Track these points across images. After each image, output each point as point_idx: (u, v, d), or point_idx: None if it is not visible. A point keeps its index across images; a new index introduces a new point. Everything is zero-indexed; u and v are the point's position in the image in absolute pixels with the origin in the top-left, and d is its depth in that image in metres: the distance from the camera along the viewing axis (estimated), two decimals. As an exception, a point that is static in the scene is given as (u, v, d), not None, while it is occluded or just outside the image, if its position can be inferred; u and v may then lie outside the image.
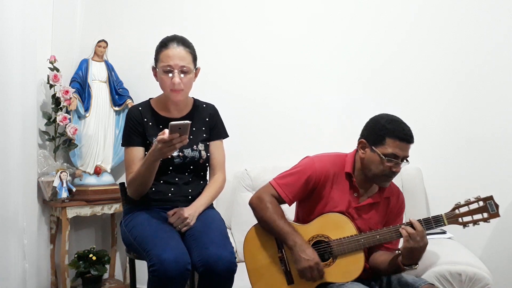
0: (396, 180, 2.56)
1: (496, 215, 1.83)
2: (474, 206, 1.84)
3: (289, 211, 2.05)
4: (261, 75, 2.98)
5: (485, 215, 1.83)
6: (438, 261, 2.02)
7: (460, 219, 1.83)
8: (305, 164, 1.97)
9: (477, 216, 1.83)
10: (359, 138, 1.95)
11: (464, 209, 1.84)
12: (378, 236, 1.85)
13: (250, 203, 1.98)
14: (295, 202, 2.04)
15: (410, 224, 1.80)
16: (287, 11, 2.97)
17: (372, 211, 1.95)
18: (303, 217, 2.01)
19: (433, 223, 1.83)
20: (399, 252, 1.82)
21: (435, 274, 1.96)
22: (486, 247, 2.70)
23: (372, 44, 2.86)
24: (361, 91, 2.86)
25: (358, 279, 1.87)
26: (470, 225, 1.83)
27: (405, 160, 1.87)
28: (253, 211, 1.97)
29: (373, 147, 1.87)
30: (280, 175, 1.98)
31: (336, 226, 1.89)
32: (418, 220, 1.82)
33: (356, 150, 1.98)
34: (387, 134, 1.84)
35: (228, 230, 2.36)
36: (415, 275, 1.97)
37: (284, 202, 1.95)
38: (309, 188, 1.93)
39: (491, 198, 1.85)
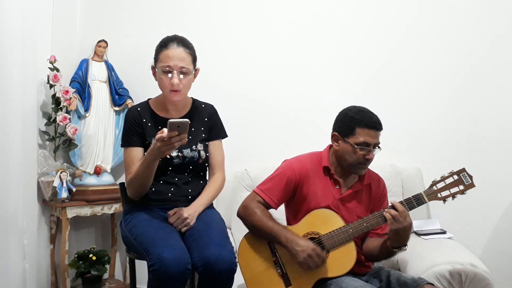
0: (396, 180, 2.58)
1: (471, 185, 1.89)
2: (449, 180, 1.90)
3: (282, 221, 2.06)
4: (261, 75, 2.98)
5: (461, 187, 1.89)
6: (438, 261, 2.02)
7: (439, 195, 1.89)
8: (283, 167, 2.03)
9: (454, 189, 1.89)
10: (332, 132, 2.02)
11: (441, 185, 1.90)
12: (365, 224, 1.89)
13: (238, 213, 2.02)
14: (282, 207, 2.07)
15: (392, 206, 1.85)
16: (287, 11, 2.97)
17: (356, 200, 2.01)
18: (292, 219, 2.04)
19: (414, 201, 1.89)
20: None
21: (435, 274, 1.96)
22: (486, 247, 2.70)
23: (372, 44, 2.86)
24: (361, 91, 2.85)
25: (356, 275, 1.89)
26: (449, 199, 1.88)
27: (377, 147, 1.93)
28: (242, 221, 2.00)
29: (345, 138, 1.94)
30: (262, 182, 2.04)
31: (324, 221, 1.92)
32: (399, 201, 1.87)
33: (330, 146, 2.06)
34: (356, 124, 1.92)
35: (228, 230, 2.36)
36: (415, 275, 1.97)
37: (270, 207, 1.99)
38: (291, 189, 1.98)
39: (463, 170, 1.91)
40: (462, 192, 1.89)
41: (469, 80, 2.75)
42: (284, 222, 2.08)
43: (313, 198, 1.96)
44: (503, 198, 2.69)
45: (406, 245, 1.87)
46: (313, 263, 1.82)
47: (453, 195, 1.88)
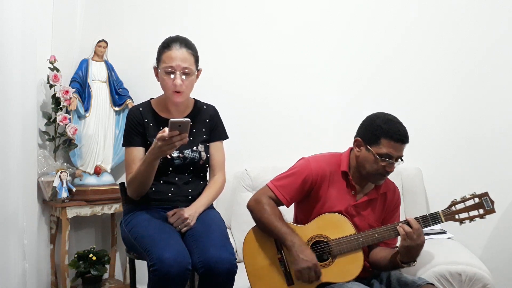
0: (396, 180, 2.56)
1: (492, 211, 1.85)
2: (470, 202, 1.86)
3: (289, 214, 2.05)
4: (261, 75, 2.98)
5: (481, 211, 1.85)
6: (438, 261, 2.02)
7: (456, 216, 1.86)
8: (301, 165, 1.98)
9: (473, 213, 1.85)
10: (355, 136, 1.97)
11: (460, 206, 1.86)
12: (376, 235, 1.87)
13: (248, 206, 1.99)
14: (293, 204, 2.05)
15: (407, 222, 1.81)
16: (287, 11, 2.97)
17: (369, 208, 1.97)
18: (302, 218, 2.02)
19: (430, 220, 1.85)
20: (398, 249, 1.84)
21: (435, 274, 1.96)
22: (486, 247, 2.70)
23: (372, 44, 2.86)
24: (361, 91, 2.85)
25: (358, 278, 1.87)
26: (467, 221, 1.85)
27: (399, 160, 1.88)
28: (251, 214, 1.98)
29: (368, 146, 1.89)
30: (277, 177, 1.99)
31: (334, 225, 1.90)
32: (415, 217, 1.84)
33: (351, 149, 2.00)
34: (382, 134, 1.85)
35: (228, 230, 2.36)
36: (415, 275, 1.97)
37: (282, 204, 1.96)
38: (306, 189, 1.95)
39: (486, 194, 1.86)
40: (481, 216, 1.84)
41: (469, 80, 2.75)
42: (291, 218, 2.07)
43: (327, 202, 1.94)
44: (503, 198, 2.68)
45: (415, 261, 1.84)
46: (308, 277, 1.81)
47: (471, 218, 1.84)
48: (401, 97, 2.81)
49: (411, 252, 1.80)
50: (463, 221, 1.85)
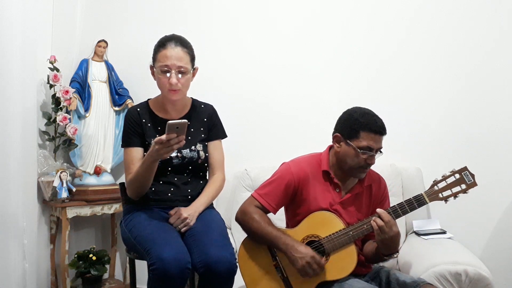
0: (396, 180, 2.58)
1: (474, 184, 1.85)
2: (451, 179, 1.86)
3: (281, 223, 2.05)
4: (261, 75, 2.98)
5: (463, 186, 1.85)
6: (438, 261, 2.02)
7: (440, 195, 1.86)
8: (282, 170, 2.00)
9: (455, 189, 1.85)
10: (334, 133, 1.98)
11: (442, 184, 1.86)
12: (365, 226, 1.87)
13: (236, 219, 2.00)
14: (281, 210, 2.05)
15: (379, 215, 1.82)
16: (287, 10, 2.97)
17: (356, 202, 1.98)
18: (292, 223, 2.02)
19: (416, 203, 1.86)
20: None
21: (435, 274, 1.96)
22: (486, 247, 2.70)
23: (372, 44, 2.86)
24: (361, 91, 2.85)
25: (356, 276, 1.88)
26: (451, 198, 1.85)
27: (379, 152, 1.90)
28: (240, 226, 1.98)
29: (347, 141, 1.90)
30: (260, 186, 2.01)
31: (323, 223, 1.90)
32: (399, 203, 1.86)
33: (330, 147, 2.02)
34: (361, 127, 1.88)
35: (228, 230, 2.36)
36: (416, 275, 1.97)
37: (268, 212, 1.97)
38: (290, 193, 1.96)
39: (465, 169, 1.87)
40: (464, 191, 1.84)
41: (469, 80, 2.75)
42: (284, 225, 2.07)
43: (313, 202, 1.94)
44: (503, 198, 2.69)
45: (397, 251, 1.86)
46: (311, 271, 1.80)
47: (455, 195, 1.84)
48: (401, 97, 2.81)
49: (387, 244, 1.81)
50: (447, 199, 1.85)
